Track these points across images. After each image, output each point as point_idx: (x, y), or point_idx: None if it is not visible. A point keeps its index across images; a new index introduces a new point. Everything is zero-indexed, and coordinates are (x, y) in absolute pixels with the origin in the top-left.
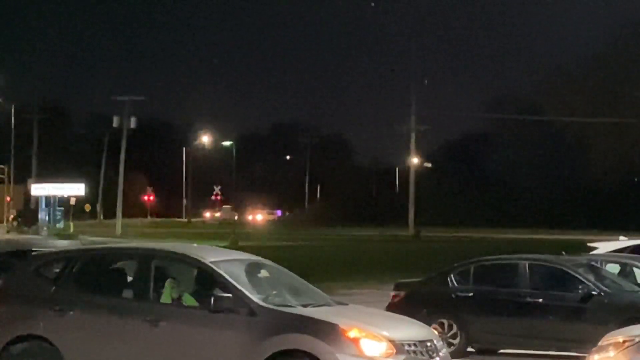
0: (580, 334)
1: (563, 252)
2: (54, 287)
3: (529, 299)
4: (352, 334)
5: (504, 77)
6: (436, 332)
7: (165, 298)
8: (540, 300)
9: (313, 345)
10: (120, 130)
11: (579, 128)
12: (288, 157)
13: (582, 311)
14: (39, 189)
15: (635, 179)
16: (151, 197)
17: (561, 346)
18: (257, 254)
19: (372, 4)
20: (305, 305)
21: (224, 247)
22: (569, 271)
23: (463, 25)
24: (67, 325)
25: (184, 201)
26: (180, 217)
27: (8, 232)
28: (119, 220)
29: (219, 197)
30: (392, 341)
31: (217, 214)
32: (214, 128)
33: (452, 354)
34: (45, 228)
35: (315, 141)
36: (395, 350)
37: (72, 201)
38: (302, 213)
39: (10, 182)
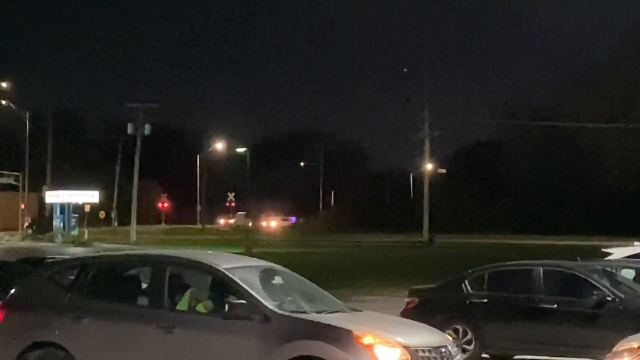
0: (595, 340)
1: (578, 258)
2: (68, 295)
3: (543, 305)
4: (367, 340)
5: (518, 82)
6: (450, 338)
7: (182, 305)
8: (555, 306)
9: (327, 351)
10: (134, 137)
11: (593, 134)
12: (302, 164)
13: (596, 317)
14: (54, 197)
15: None
16: (165, 204)
17: (576, 352)
18: (271, 261)
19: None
20: (319, 312)
21: (239, 253)
22: (584, 277)
23: (476, 31)
24: (82, 332)
25: (198, 208)
26: (195, 223)
27: (23, 239)
28: (133, 227)
29: (233, 204)
30: (406, 347)
31: (232, 221)
32: (228, 134)
33: None
34: (59, 235)
35: (330, 148)
36: (409, 357)
37: (87, 208)
38: (316, 219)
39: (24, 190)
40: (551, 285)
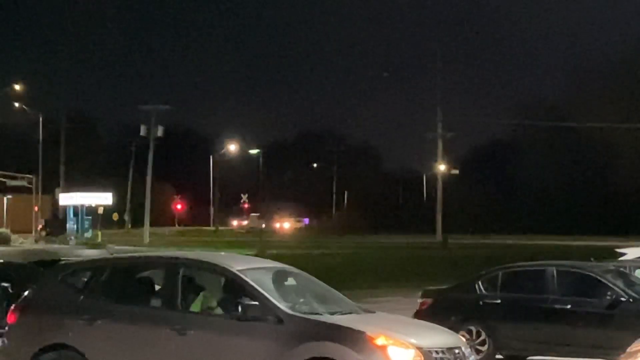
0: (609, 340)
1: (591, 258)
2: (81, 296)
3: (557, 306)
4: (380, 341)
5: (532, 82)
6: (464, 340)
7: (195, 307)
8: (568, 306)
9: (341, 353)
10: (147, 139)
11: (607, 133)
12: (315, 165)
13: (610, 317)
14: (67, 199)
15: None
16: (178, 206)
17: (589, 353)
18: (284, 262)
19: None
20: (332, 313)
21: (252, 255)
22: (597, 277)
23: (490, 31)
24: (95, 334)
25: (211, 209)
26: (208, 225)
27: (36, 241)
28: (146, 229)
29: (246, 206)
30: (419, 348)
31: (245, 222)
32: (240, 136)
33: None
34: (73, 237)
35: (342, 149)
36: (423, 358)
37: (100, 210)
38: (329, 221)
39: (38, 192)
40: (565, 285)
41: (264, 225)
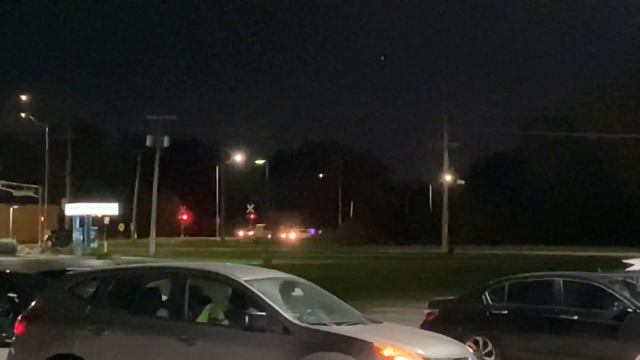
0: (616, 351)
1: (598, 269)
2: (88, 307)
3: (563, 316)
4: (387, 352)
5: (537, 94)
6: (471, 350)
7: (202, 318)
8: (575, 317)
9: None
10: (153, 149)
11: (611, 144)
12: (321, 175)
13: (617, 328)
14: (73, 209)
15: None
16: (184, 217)
17: None
18: (291, 273)
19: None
20: (339, 324)
21: (258, 265)
22: (604, 288)
23: (494, 42)
24: (102, 344)
25: (217, 220)
26: (214, 235)
27: (42, 252)
28: (152, 240)
29: (252, 216)
30: (426, 359)
31: (250, 233)
32: (246, 146)
33: None
34: (79, 248)
35: (348, 159)
36: None
37: (106, 221)
38: (335, 231)
39: (44, 202)
40: (571, 296)
41: (269, 236)
